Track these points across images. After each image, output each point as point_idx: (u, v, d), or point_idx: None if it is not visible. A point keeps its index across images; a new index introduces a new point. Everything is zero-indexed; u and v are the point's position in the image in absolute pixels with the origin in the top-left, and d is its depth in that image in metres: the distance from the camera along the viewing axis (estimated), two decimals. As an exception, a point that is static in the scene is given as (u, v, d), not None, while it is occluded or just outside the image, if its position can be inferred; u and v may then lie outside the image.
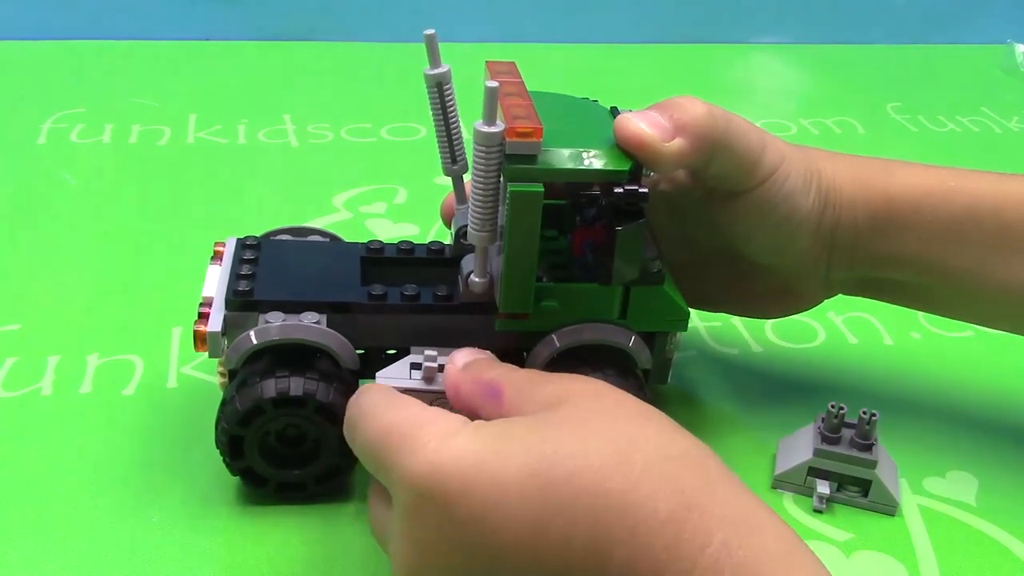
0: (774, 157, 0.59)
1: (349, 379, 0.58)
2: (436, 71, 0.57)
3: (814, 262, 0.63)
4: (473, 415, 0.50)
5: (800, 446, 0.63)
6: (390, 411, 0.48)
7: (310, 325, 0.56)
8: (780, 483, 0.63)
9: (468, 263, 0.58)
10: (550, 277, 0.57)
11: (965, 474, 0.66)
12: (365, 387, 0.52)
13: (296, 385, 0.55)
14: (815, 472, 0.62)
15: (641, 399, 0.58)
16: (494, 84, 0.51)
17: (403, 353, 0.58)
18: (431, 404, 0.54)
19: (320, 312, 0.57)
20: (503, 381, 0.50)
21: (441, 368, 0.55)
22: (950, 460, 0.67)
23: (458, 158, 0.61)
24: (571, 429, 0.45)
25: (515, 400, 0.49)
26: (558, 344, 0.57)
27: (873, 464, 0.60)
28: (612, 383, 0.57)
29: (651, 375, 0.61)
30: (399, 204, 0.95)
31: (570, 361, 0.58)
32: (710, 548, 0.41)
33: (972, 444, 0.68)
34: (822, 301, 0.68)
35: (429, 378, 0.55)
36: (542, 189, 0.52)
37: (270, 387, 0.55)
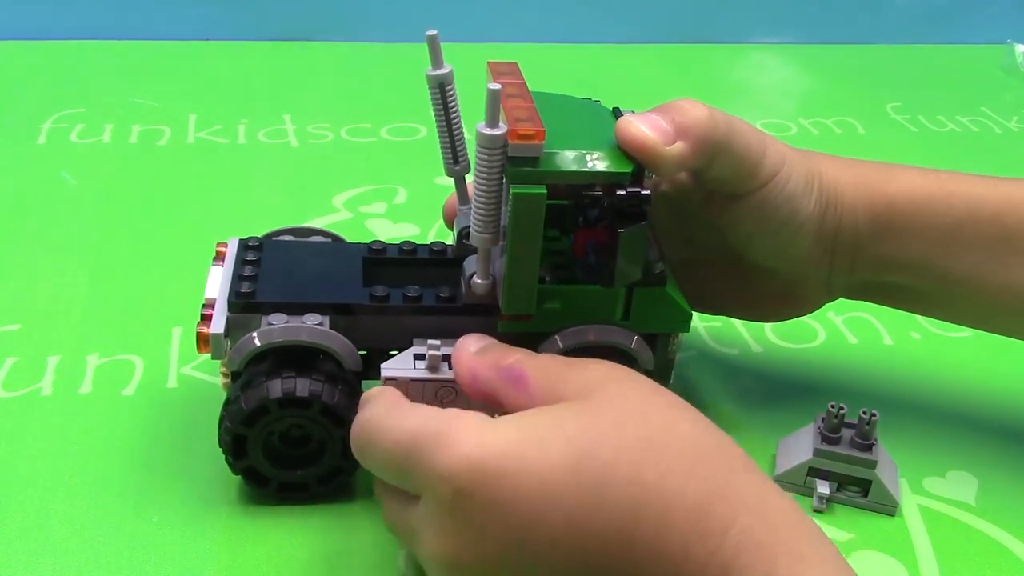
0: (775, 160, 0.59)
1: (352, 380, 0.58)
2: (438, 72, 0.57)
3: (816, 265, 0.63)
4: (492, 401, 0.50)
5: (800, 446, 0.63)
6: (408, 418, 0.48)
7: (313, 327, 0.56)
8: (780, 483, 0.63)
9: (470, 264, 0.58)
10: (553, 278, 0.57)
11: (965, 474, 0.66)
12: (368, 400, 0.51)
13: (302, 386, 0.55)
14: (815, 472, 0.62)
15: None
16: (496, 86, 0.50)
17: (406, 355, 0.58)
18: (437, 393, 0.54)
19: (323, 313, 0.57)
20: (526, 367, 0.51)
21: (445, 358, 0.55)
22: (950, 460, 0.67)
23: (460, 159, 0.61)
24: (608, 419, 0.46)
25: (543, 387, 0.49)
26: (561, 345, 0.57)
27: (873, 464, 0.60)
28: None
29: (653, 376, 0.61)
30: (399, 204, 0.95)
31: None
32: (733, 530, 0.43)
33: (972, 444, 0.68)
34: (823, 305, 0.68)
35: (434, 367, 0.55)
36: (545, 191, 0.52)
37: (276, 387, 0.55)
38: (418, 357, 0.56)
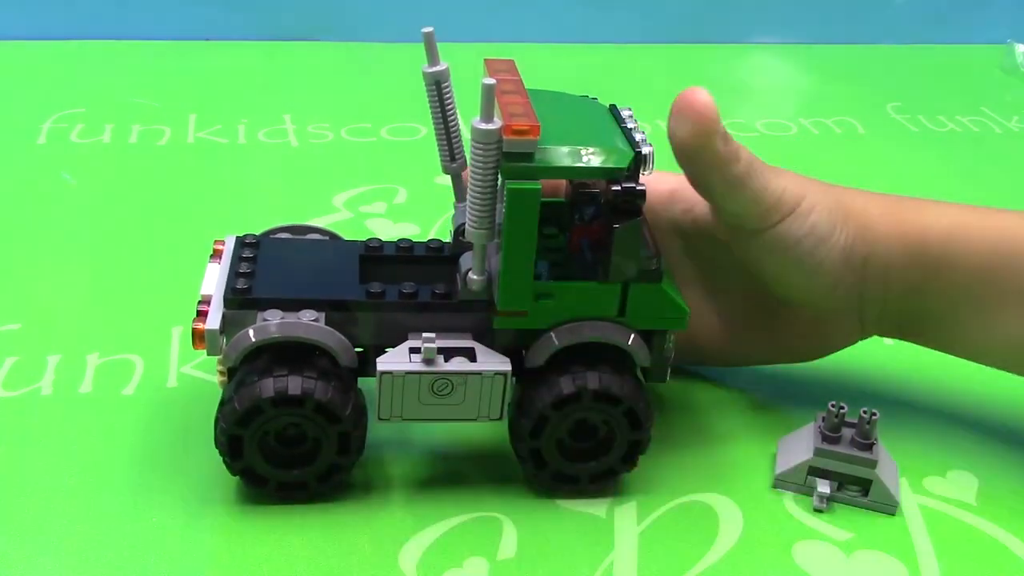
0: (794, 193, 0.59)
1: (347, 377, 0.57)
2: (434, 69, 0.57)
3: (845, 292, 0.62)
4: None
5: (800, 446, 0.63)
6: None
7: (309, 323, 0.56)
8: (781, 483, 0.63)
9: (466, 261, 0.58)
10: (549, 275, 0.57)
11: (965, 474, 0.65)
12: None
13: (294, 384, 0.55)
14: (815, 472, 0.62)
15: (639, 398, 0.59)
16: (491, 81, 0.51)
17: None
18: (432, 386, 0.54)
19: (319, 310, 0.57)
20: None
21: (440, 351, 0.55)
22: (950, 460, 0.67)
23: (457, 156, 0.61)
24: None
25: None
26: (556, 342, 0.57)
27: (873, 464, 0.60)
28: (609, 381, 0.57)
29: (650, 374, 0.61)
30: (399, 204, 0.95)
31: (569, 359, 0.58)
32: None
33: (972, 444, 0.68)
34: (856, 341, 0.68)
35: (429, 360, 0.55)
36: (540, 186, 0.52)
37: (268, 386, 0.55)
38: (413, 351, 0.56)
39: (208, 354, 0.57)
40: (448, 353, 0.57)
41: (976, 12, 1.56)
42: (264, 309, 0.57)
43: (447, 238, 0.64)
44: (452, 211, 0.64)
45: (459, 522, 0.59)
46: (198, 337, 0.56)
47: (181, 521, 0.57)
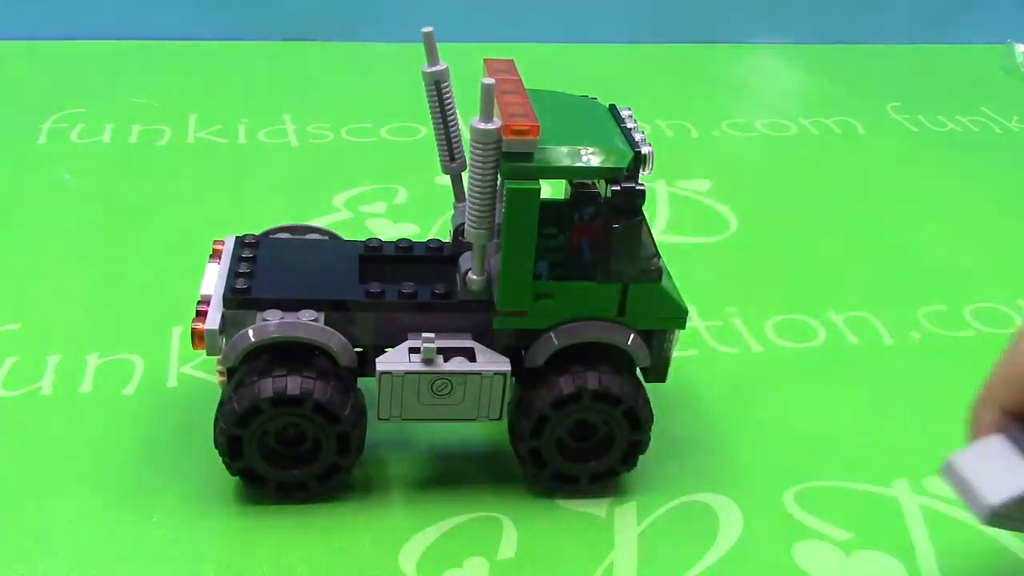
0: None
1: (346, 377, 0.57)
2: (434, 69, 0.57)
3: None
4: None
5: (1004, 471, 0.45)
6: None
7: (308, 323, 0.56)
8: (1002, 520, 0.44)
9: (466, 261, 0.58)
10: (549, 275, 0.57)
11: (965, 473, 0.65)
12: None
13: (293, 384, 0.55)
14: None
15: (639, 398, 0.59)
16: (490, 81, 0.51)
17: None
18: (432, 386, 0.54)
19: (318, 310, 0.57)
20: None
21: (440, 351, 0.55)
22: (950, 459, 0.66)
23: (456, 156, 0.61)
24: None
25: None
26: (556, 342, 0.57)
27: None
28: (609, 381, 0.57)
29: (650, 373, 0.61)
30: (399, 204, 0.95)
31: (568, 359, 0.58)
32: None
33: (972, 443, 0.68)
34: None
35: (428, 360, 0.55)
36: (539, 186, 0.52)
37: (267, 387, 0.55)
38: (413, 351, 0.56)
39: (208, 354, 0.57)
40: (448, 353, 0.57)
41: (976, 12, 1.56)
42: (263, 309, 0.57)
43: (447, 238, 0.64)
44: (452, 211, 0.64)
45: (459, 522, 0.59)
46: (197, 337, 0.56)
47: (181, 521, 0.57)
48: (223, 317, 0.57)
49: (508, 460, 0.62)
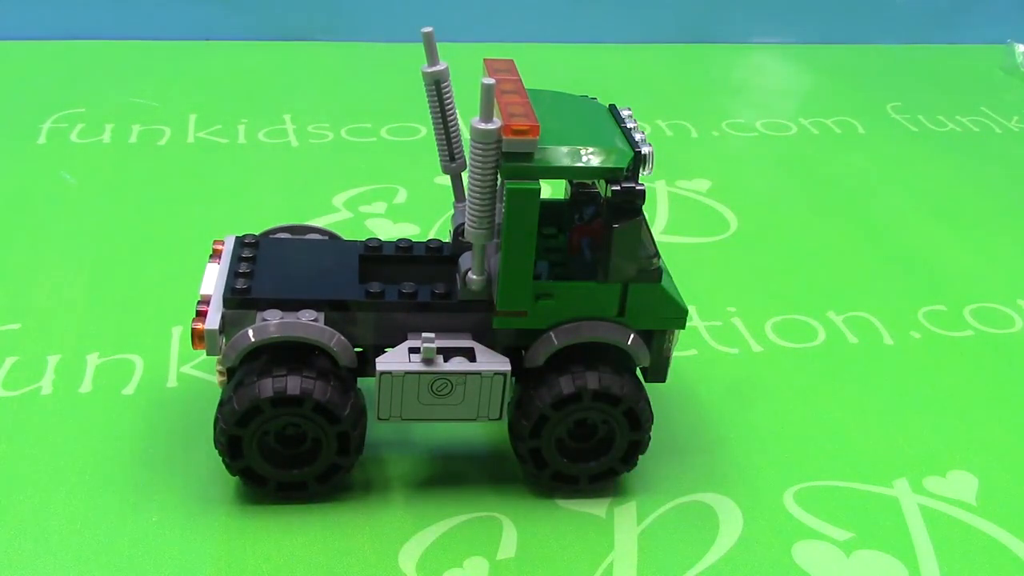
0: None
1: (346, 377, 0.57)
2: (434, 68, 0.57)
3: None
4: None
5: None
6: None
7: (308, 323, 0.56)
8: None
9: (466, 260, 0.58)
10: (549, 275, 0.57)
11: (965, 474, 0.65)
12: None
13: (293, 384, 0.55)
14: None
15: (639, 398, 0.59)
16: (490, 81, 0.51)
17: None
18: (432, 386, 0.54)
19: (318, 310, 0.57)
20: None
21: (440, 351, 0.55)
22: (950, 460, 0.67)
23: (456, 156, 0.61)
24: None
25: None
26: (556, 342, 0.57)
27: None
28: (609, 381, 0.57)
29: (649, 373, 0.61)
30: (399, 204, 0.95)
31: (568, 359, 0.58)
32: None
33: (972, 444, 0.68)
34: None
35: (428, 360, 0.55)
36: (539, 186, 0.52)
37: (267, 386, 0.55)
38: (413, 351, 0.56)
39: (207, 354, 0.57)
40: (448, 353, 0.57)
41: (976, 12, 1.56)
42: (263, 309, 0.57)
43: (447, 238, 0.65)
44: (452, 211, 0.64)
45: (459, 522, 0.59)
46: (197, 337, 0.56)
47: (181, 521, 0.57)
48: (223, 317, 0.57)
49: (508, 460, 0.62)
